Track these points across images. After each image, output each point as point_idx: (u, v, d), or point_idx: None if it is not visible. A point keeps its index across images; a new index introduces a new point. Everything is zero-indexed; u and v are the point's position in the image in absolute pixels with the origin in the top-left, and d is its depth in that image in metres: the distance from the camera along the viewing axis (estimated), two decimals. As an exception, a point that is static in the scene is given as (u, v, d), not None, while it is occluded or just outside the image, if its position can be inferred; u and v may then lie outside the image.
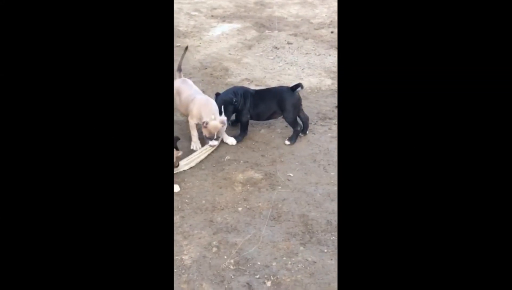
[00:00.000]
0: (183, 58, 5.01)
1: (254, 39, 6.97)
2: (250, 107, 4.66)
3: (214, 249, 3.48)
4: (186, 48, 5.15)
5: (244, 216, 3.81)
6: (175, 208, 3.85)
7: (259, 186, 4.15)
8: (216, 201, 3.96)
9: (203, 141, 4.58)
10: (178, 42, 6.73)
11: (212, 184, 4.17)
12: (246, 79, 5.88)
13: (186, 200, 3.96)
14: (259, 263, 3.37)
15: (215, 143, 4.46)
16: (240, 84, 5.63)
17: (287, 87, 4.71)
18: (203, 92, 5.56)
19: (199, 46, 6.71)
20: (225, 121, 4.46)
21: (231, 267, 3.35)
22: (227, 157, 4.46)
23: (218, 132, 4.43)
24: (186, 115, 4.73)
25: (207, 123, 4.36)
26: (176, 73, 4.88)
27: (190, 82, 4.85)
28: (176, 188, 4.02)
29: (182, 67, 5.02)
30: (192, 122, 4.57)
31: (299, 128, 4.70)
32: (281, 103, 4.63)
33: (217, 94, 4.79)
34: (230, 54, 6.49)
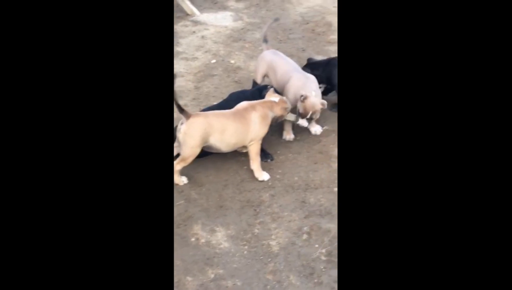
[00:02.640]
0: (269, 28, 4.41)
1: (363, -11, 6.31)
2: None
3: (305, 236, 3.17)
4: (276, 19, 4.58)
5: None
6: (265, 185, 3.56)
7: (359, 163, 3.72)
8: (310, 178, 3.62)
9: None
10: (278, -7, 6.27)
11: (307, 158, 3.81)
12: (351, 36, 5.34)
13: (278, 176, 3.65)
14: (354, 255, 3.01)
15: (305, 124, 3.86)
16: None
17: None
18: (303, 50, 5.15)
19: (301, -3, 6.21)
20: (326, 104, 3.88)
21: (323, 257, 3.03)
22: (325, 127, 4.05)
23: (314, 113, 3.81)
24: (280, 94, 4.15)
25: (305, 98, 3.74)
26: (263, 45, 4.34)
27: (281, 54, 4.24)
28: (265, 176, 3.62)
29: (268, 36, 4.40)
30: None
31: None
32: None
33: (309, 60, 4.30)
34: (334, 7, 5.92)
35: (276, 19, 4.49)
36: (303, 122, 3.85)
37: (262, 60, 4.21)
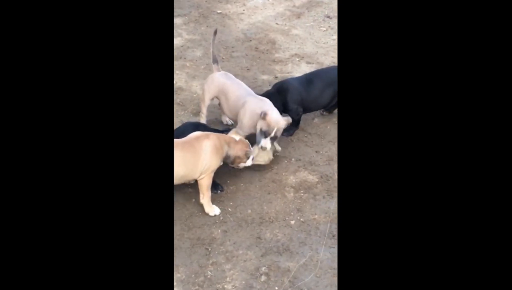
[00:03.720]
0: (214, 45, 4.07)
1: (304, 6, 6.18)
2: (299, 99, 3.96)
3: (263, 278, 2.90)
4: (215, 32, 4.13)
5: (297, 231, 3.20)
6: (216, 220, 3.27)
7: (314, 192, 3.52)
8: (264, 211, 3.36)
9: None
10: (219, 9, 6.02)
11: (260, 188, 3.56)
12: (296, 54, 5.16)
13: (229, 209, 3.37)
14: (317, 297, 2.79)
15: (268, 145, 3.52)
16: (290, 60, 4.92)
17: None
18: (248, 70, 4.92)
19: (242, 13, 5.97)
20: (290, 120, 3.64)
21: (284, 301, 2.77)
22: (276, 153, 3.82)
23: (278, 130, 3.52)
24: (233, 120, 3.92)
25: (265, 114, 3.43)
26: (213, 66, 4.02)
27: (233, 77, 3.94)
28: (216, 210, 3.31)
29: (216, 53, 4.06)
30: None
31: None
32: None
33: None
34: (277, 23, 5.74)
35: (215, 32, 4.11)
36: (266, 143, 3.50)
37: (212, 82, 3.89)
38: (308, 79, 4.03)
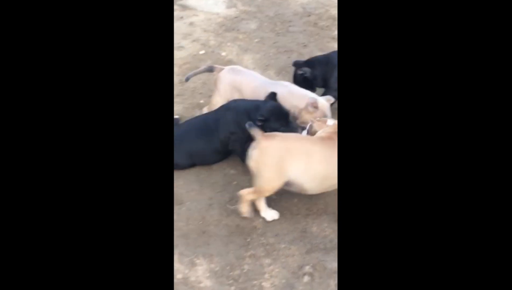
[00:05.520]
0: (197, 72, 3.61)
1: (370, -18, 5.72)
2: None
3: (306, 278, 2.57)
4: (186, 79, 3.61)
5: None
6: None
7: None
8: (313, 201, 3.01)
9: None
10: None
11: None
12: (358, 32, 4.73)
13: (274, 196, 3.02)
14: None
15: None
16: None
17: None
18: (305, 46, 4.53)
19: (302, -14, 5.57)
20: (332, 99, 3.26)
21: (328, 307, 2.43)
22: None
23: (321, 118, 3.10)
24: None
25: (315, 104, 3.09)
26: (214, 69, 3.51)
27: (242, 69, 3.50)
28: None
29: None
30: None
31: None
32: None
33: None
34: (339, -1, 5.33)
35: (210, 69, 3.56)
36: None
37: (221, 82, 3.41)
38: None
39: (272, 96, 3.15)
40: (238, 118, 3.08)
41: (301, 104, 3.16)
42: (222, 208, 2.94)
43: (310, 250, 2.70)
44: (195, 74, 3.61)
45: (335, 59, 3.56)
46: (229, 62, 4.22)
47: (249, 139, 2.97)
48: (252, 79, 3.37)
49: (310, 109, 3.10)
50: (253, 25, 4.78)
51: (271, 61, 4.28)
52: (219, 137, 3.13)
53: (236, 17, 4.92)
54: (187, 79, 3.58)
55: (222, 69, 3.46)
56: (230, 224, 2.85)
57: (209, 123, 3.17)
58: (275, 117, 3.03)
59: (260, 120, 2.95)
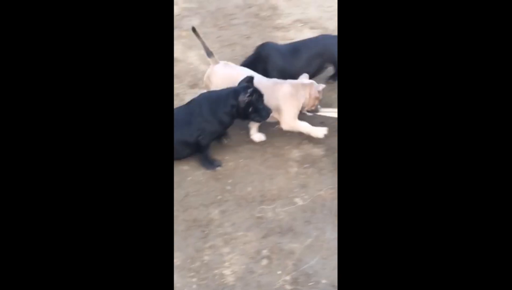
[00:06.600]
0: (202, 39, 3.57)
1: (307, -32, 5.83)
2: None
3: (264, 261, 2.66)
4: (194, 29, 3.60)
5: (302, 210, 2.95)
6: (214, 199, 3.03)
7: (319, 166, 3.26)
8: (266, 188, 3.11)
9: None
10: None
11: (260, 163, 3.30)
12: (298, 20, 4.84)
13: (228, 187, 3.12)
14: (324, 281, 2.55)
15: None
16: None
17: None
18: (248, 38, 4.61)
19: (242, -22, 5.64)
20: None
21: (287, 286, 2.54)
22: (278, 126, 3.54)
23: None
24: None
25: (319, 86, 3.41)
26: (209, 60, 3.56)
27: (235, 65, 3.56)
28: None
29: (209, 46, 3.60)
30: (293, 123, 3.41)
31: None
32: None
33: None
34: (278, -12, 5.42)
35: (194, 29, 3.61)
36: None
37: (215, 76, 3.48)
38: (296, 48, 3.74)
39: (249, 79, 3.22)
40: (213, 106, 3.16)
41: (312, 92, 3.38)
42: (179, 204, 3.00)
43: (267, 235, 2.80)
44: (203, 43, 3.58)
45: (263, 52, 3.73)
46: (175, 61, 4.26)
47: (221, 134, 3.13)
48: (246, 73, 3.40)
49: (320, 95, 3.41)
50: (195, 22, 4.83)
51: (215, 55, 4.34)
52: (191, 129, 3.18)
53: (178, 15, 4.96)
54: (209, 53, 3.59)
55: (218, 62, 3.52)
56: (187, 218, 2.92)
57: (181, 117, 3.19)
58: (258, 94, 3.17)
59: (250, 93, 3.12)
